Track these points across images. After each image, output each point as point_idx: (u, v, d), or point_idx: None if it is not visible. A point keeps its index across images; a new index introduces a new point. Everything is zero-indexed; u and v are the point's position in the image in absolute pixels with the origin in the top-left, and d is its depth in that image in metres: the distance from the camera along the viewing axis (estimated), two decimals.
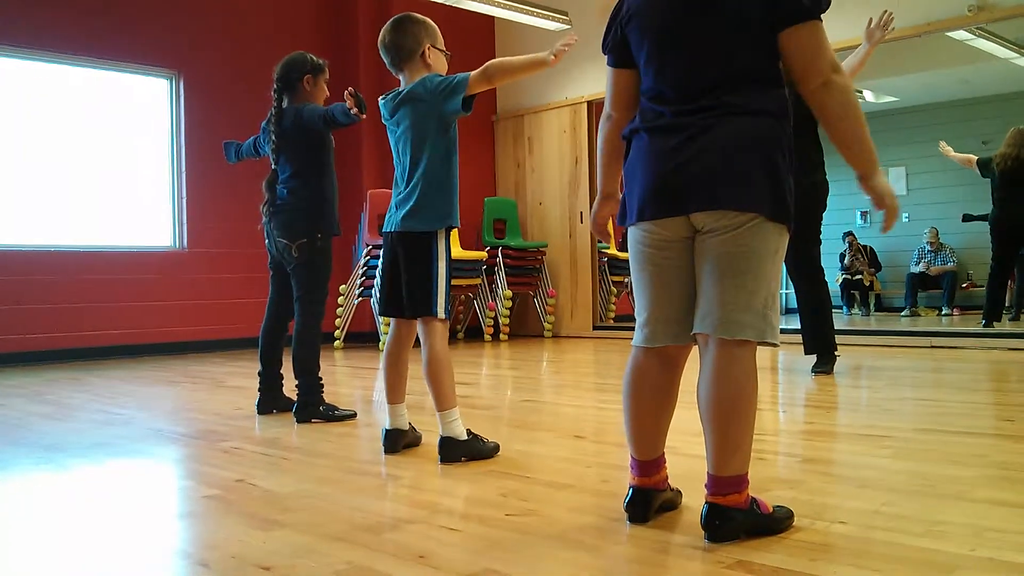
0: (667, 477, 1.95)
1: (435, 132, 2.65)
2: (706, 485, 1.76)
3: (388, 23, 2.77)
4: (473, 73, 2.60)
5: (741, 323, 1.72)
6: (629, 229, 1.88)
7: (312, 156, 3.57)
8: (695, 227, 1.77)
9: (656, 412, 1.90)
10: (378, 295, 2.86)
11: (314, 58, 3.65)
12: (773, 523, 1.78)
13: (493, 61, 2.62)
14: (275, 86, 3.61)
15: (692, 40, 1.77)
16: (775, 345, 1.77)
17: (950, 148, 7.59)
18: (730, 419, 1.73)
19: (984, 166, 7.21)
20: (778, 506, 1.84)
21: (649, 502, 1.90)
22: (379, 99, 2.80)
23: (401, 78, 2.76)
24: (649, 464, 1.90)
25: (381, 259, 2.86)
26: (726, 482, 1.73)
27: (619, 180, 1.99)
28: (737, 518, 1.73)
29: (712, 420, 1.75)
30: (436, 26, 2.77)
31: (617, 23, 1.89)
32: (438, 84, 2.63)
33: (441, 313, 2.66)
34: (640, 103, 1.87)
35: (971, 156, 7.45)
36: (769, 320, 1.75)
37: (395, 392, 2.82)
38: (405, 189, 2.70)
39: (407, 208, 2.67)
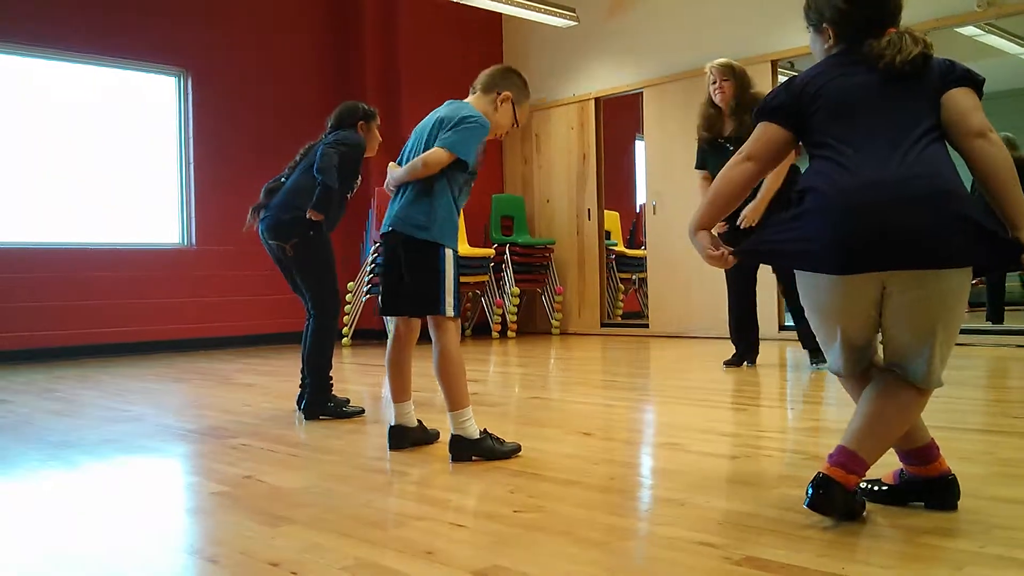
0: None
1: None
2: (830, 455, 1.82)
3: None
4: (441, 154, 2.62)
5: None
6: (813, 275, 1.90)
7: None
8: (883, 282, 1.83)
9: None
10: (380, 293, 2.84)
11: (366, 106, 3.74)
12: (861, 508, 1.88)
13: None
14: (328, 130, 3.67)
15: (888, 120, 1.86)
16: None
17: None
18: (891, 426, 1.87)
19: None
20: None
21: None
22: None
23: (471, 94, 2.83)
24: (918, 452, 1.96)
25: (382, 258, 2.85)
26: (856, 460, 1.80)
27: (720, 219, 2.06)
28: (840, 495, 1.80)
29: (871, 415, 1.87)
30: (527, 94, 2.85)
31: (798, 97, 1.94)
32: (449, 127, 2.65)
33: (450, 311, 2.64)
34: (819, 159, 1.91)
35: None
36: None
37: (400, 392, 2.82)
38: (406, 192, 2.69)
39: (406, 214, 2.67)
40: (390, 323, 2.93)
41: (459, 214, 2.74)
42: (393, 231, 2.68)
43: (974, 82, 1.87)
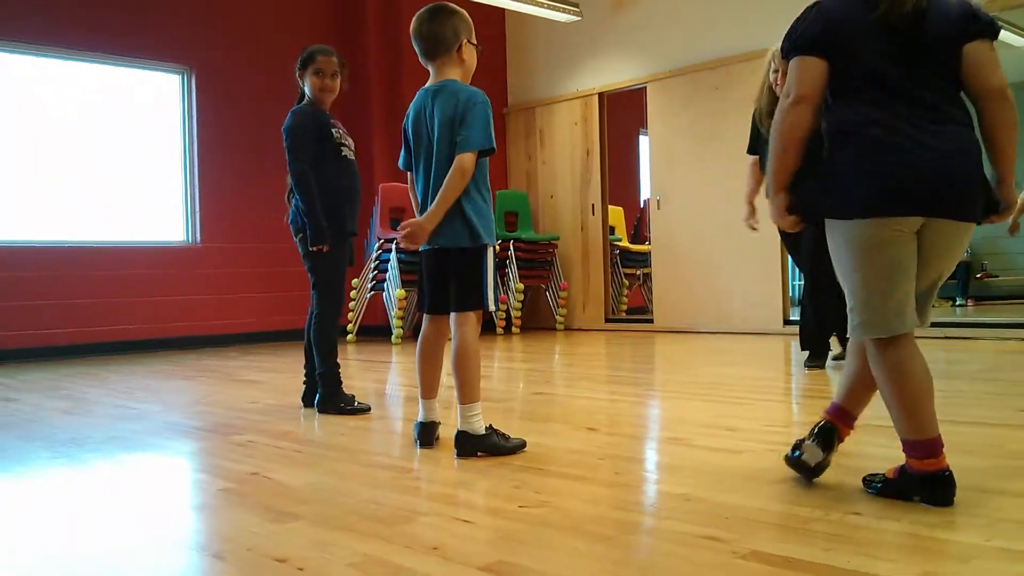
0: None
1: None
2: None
3: (424, 12, 2.67)
4: (470, 158, 2.61)
5: None
6: (858, 221, 1.90)
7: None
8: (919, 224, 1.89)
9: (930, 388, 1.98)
10: (421, 293, 2.81)
11: (307, 51, 3.59)
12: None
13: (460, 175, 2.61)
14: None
15: (910, 74, 1.90)
16: None
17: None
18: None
19: None
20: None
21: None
22: (420, 90, 2.72)
23: (431, 68, 2.70)
24: (924, 444, 1.94)
25: (426, 268, 2.77)
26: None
27: (795, 169, 2.01)
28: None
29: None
30: (469, 17, 2.71)
31: (832, 33, 1.94)
32: (463, 122, 2.59)
33: (491, 306, 2.66)
34: (852, 101, 1.94)
35: None
36: None
37: (430, 387, 2.77)
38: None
39: (451, 229, 2.63)
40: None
41: (489, 198, 2.72)
42: (440, 248, 2.66)
43: (993, 31, 1.90)
